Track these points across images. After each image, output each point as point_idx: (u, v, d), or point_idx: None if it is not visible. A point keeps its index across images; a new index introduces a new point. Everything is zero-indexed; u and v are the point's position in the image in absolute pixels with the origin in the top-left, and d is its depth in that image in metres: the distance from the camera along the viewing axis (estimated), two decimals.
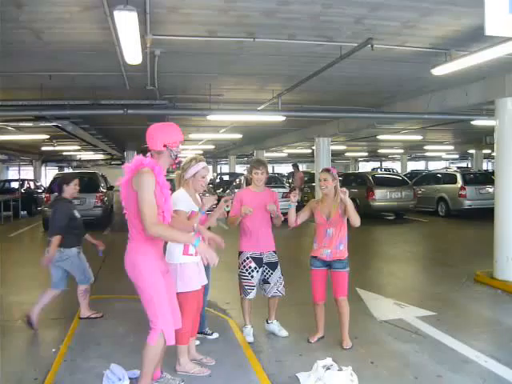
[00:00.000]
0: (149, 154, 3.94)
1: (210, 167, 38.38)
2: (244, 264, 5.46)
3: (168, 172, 4.08)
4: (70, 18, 5.61)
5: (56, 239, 5.84)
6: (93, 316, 6.29)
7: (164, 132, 3.93)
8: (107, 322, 6.05)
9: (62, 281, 6.07)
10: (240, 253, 5.54)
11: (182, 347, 4.59)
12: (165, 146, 3.88)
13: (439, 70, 7.13)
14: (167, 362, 4.48)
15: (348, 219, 5.27)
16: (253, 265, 5.43)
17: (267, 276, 5.51)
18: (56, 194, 6.50)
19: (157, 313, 3.82)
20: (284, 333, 5.67)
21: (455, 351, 5.22)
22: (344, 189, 5.17)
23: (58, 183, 6.27)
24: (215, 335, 5.56)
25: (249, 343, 5.40)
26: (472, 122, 13.16)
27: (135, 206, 3.74)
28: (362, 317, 6.29)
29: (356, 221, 5.19)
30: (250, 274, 5.42)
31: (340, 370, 4.35)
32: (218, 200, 4.75)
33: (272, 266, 5.53)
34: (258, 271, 5.46)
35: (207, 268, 5.26)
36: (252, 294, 5.48)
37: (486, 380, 4.52)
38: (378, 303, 6.98)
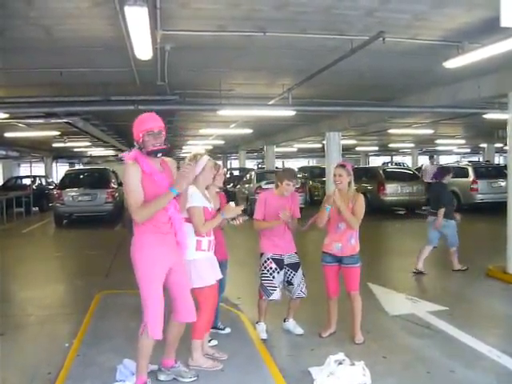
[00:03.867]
0: (136, 146, 4.00)
1: (220, 162, 38.35)
2: (265, 265, 5.41)
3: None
4: (79, 14, 5.62)
5: (442, 211, 8.20)
6: (462, 269, 8.45)
7: (137, 122, 3.97)
8: (120, 317, 6.06)
9: (435, 239, 8.55)
10: (261, 254, 5.51)
11: (196, 342, 4.59)
12: (140, 135, 3.90)
13: (451, 63, 7.07)
14: (181, 357, 4.48)
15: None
16: (273, 266, 5.37)
17: (290, 277, 5.45)
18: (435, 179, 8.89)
19: (145, 304, 3.91)
20: (299, 330, 5.62)
21: (468, 346, 5.19)
22: (336, 196, 5.09)
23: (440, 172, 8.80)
24: (227, 330, 5.55)
25: (262, 339, 5.38)
26: (484, 116, 13.04)
27: None
28: (373, 312, 6.27)
29: (351, 223, 5.13)
30: (271, 274, 5.36)
31: (352, 364, 4.34)
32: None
33: (294, 266, 5.47)
34: (279, 272, 5.38)
35: (224, 265, 5.26)
36: (275, 295, 5.38)
37: (499, 375, 4.49)
38: (390, 298, 6.95)
